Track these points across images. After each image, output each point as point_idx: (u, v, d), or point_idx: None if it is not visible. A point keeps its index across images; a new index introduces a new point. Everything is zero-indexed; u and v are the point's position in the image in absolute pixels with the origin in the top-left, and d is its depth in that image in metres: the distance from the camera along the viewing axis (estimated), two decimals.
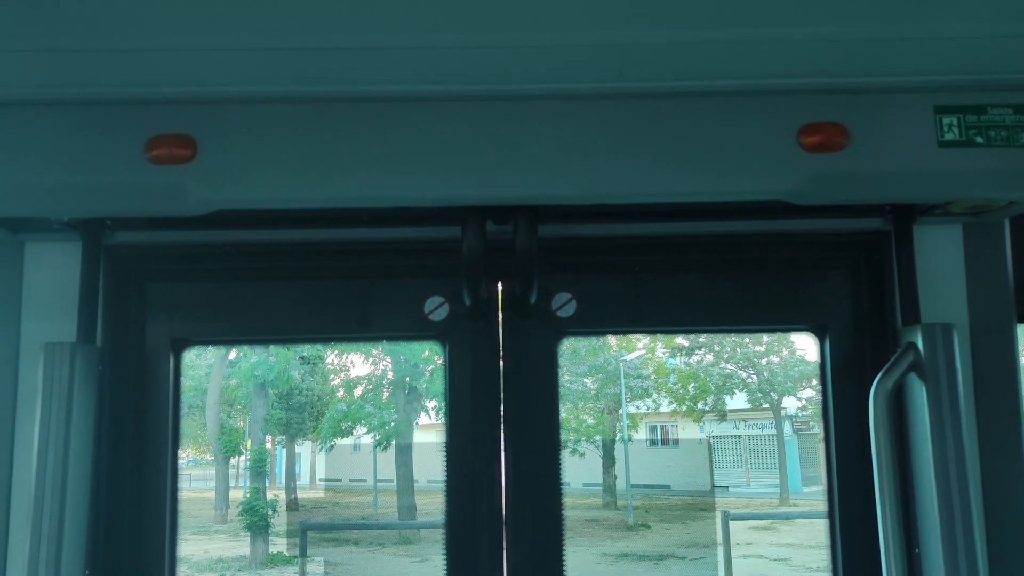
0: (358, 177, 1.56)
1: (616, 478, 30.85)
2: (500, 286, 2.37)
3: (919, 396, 1.54)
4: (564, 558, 2.17)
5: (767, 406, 30.19)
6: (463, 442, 2.29)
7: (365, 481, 41.68)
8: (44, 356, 1.49)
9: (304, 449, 46.26)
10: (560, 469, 2.56)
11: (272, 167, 1.55)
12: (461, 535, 2.44)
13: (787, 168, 1.56)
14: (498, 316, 2.39)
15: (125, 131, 1.55)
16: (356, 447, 24.92)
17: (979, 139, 1.55)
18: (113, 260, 1.70)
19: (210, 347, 26.82)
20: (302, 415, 35.22)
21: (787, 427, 33.70)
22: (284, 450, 39.85)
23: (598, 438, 28.52)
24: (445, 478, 2.48)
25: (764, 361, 28.61)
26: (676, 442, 40.43)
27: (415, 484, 22.69)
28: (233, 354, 25.48)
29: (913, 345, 1.55)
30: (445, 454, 2.43)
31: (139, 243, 1.77)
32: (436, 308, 2.31)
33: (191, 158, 1.54)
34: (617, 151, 1.57)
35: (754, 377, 28.76)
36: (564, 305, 2.32)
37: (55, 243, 1.71)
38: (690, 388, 28.89)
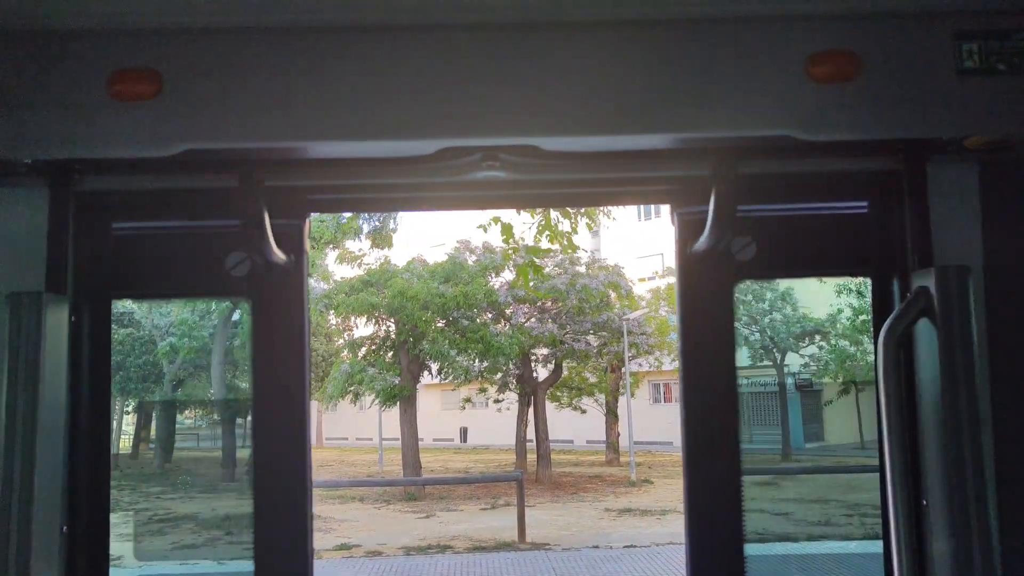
0: (335, 113, 1.45)
1: (619, 435, 31.07)
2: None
3: (930, 343, 1.45)
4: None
5: (769, 363, 30.25)
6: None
7: (371, 440, 42.05)
8: (10, 306, 1.41)
9: (311, 408, 46.68)
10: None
11: (243, 103, 1.44)
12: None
13: (795, 101, 1.45)
14: None
15: (87, 65, 1.44)
16: (361, 406, 25.03)
17: (1001, 66, 1.44)
18: (82, 206, 1.60)
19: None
20: None
21: (790, 383, 33.81)
22: None
23: (600, 395, 28.66)
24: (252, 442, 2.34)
25: (767, 319, 28.57)
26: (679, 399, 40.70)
27: (420, 442, 22.87)
28: (237, 314, 25.46)
29: (925, 289, 1.46)
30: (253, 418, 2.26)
31: (108, 189, 1.67)
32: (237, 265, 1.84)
33: (156, 94, 1.43)
34: (613, 85, 1.46)
35: (757, 334, 28.75)
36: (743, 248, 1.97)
37: (22, 189, 1.62)
38: None
